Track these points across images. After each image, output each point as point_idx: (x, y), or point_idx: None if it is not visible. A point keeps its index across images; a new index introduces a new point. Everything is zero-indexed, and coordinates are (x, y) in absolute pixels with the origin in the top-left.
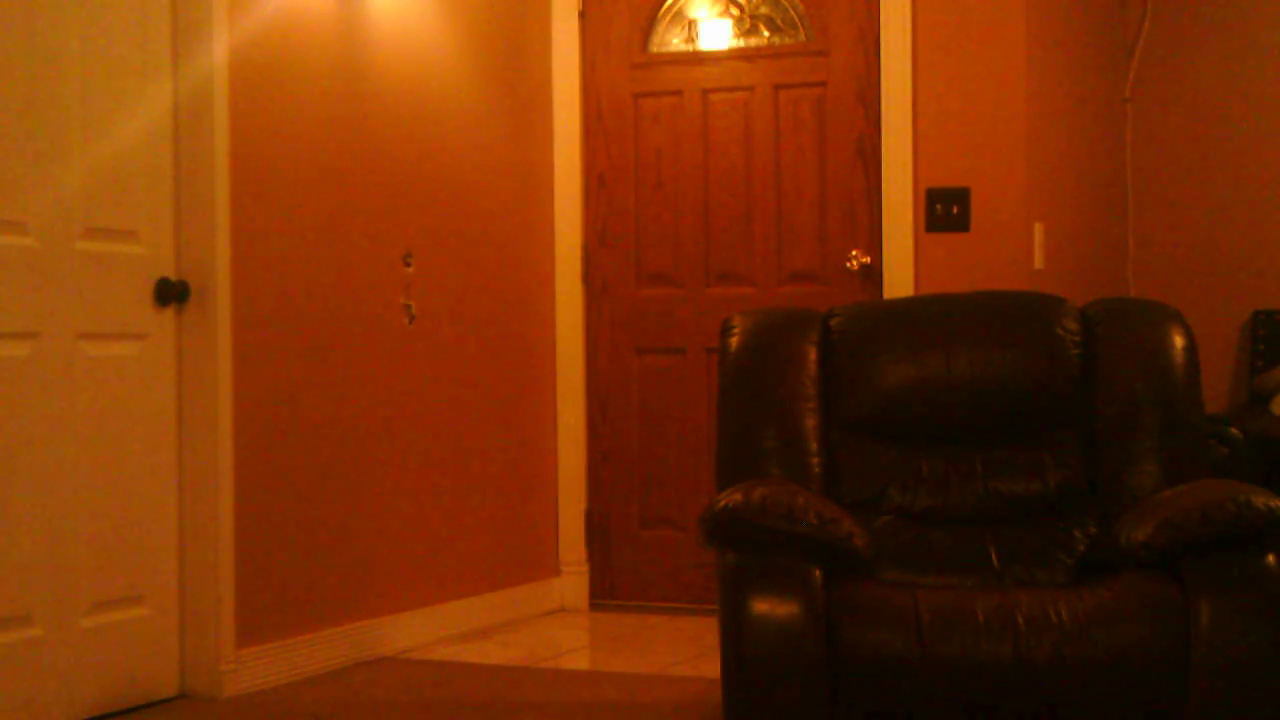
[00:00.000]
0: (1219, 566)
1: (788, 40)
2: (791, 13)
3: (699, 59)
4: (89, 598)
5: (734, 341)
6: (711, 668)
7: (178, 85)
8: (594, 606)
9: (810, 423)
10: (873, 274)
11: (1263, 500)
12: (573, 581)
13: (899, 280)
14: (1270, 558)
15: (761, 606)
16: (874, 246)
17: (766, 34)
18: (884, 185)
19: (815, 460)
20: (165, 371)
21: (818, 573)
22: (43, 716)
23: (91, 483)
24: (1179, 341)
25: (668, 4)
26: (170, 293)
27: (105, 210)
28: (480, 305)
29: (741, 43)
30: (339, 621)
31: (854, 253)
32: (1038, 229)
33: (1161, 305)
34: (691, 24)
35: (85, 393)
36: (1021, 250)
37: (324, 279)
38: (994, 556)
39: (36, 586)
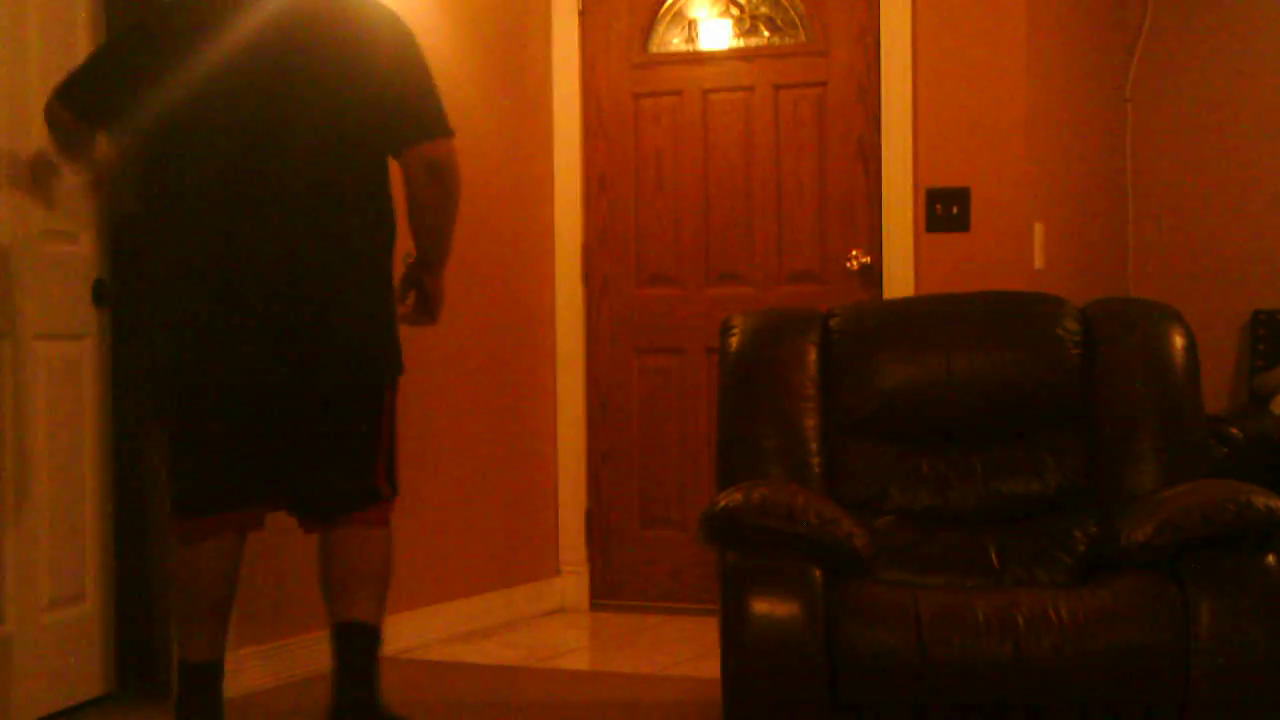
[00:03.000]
0: (1219, 566)
1: (788, 40)
2: (791, 13)
3: (699, 59)
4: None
5: (734, 341)
6: (711, 668)
7: None
8: (594, 606)
9: (810, 423)
10: (873, 274)
11: (1263, 500)
12: (573, 581)
13: (899, 280)
14: (1270, 558)
15: (761, 606)
16: (874, 246)
17: (766, 34)
18: (884, 185)
19: (815, 460)
20: None
21: (818, 573)
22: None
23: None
24: (1179, 341)
25: (668, 4)
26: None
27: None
28: (480, 305)
29: (741, 43)
30: None
31: (854, 253)
32: (1038, 229)
33: (1161, 305)
34: (691, 24)
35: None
36: (1021, 250)
37: None
38: (994, 556)
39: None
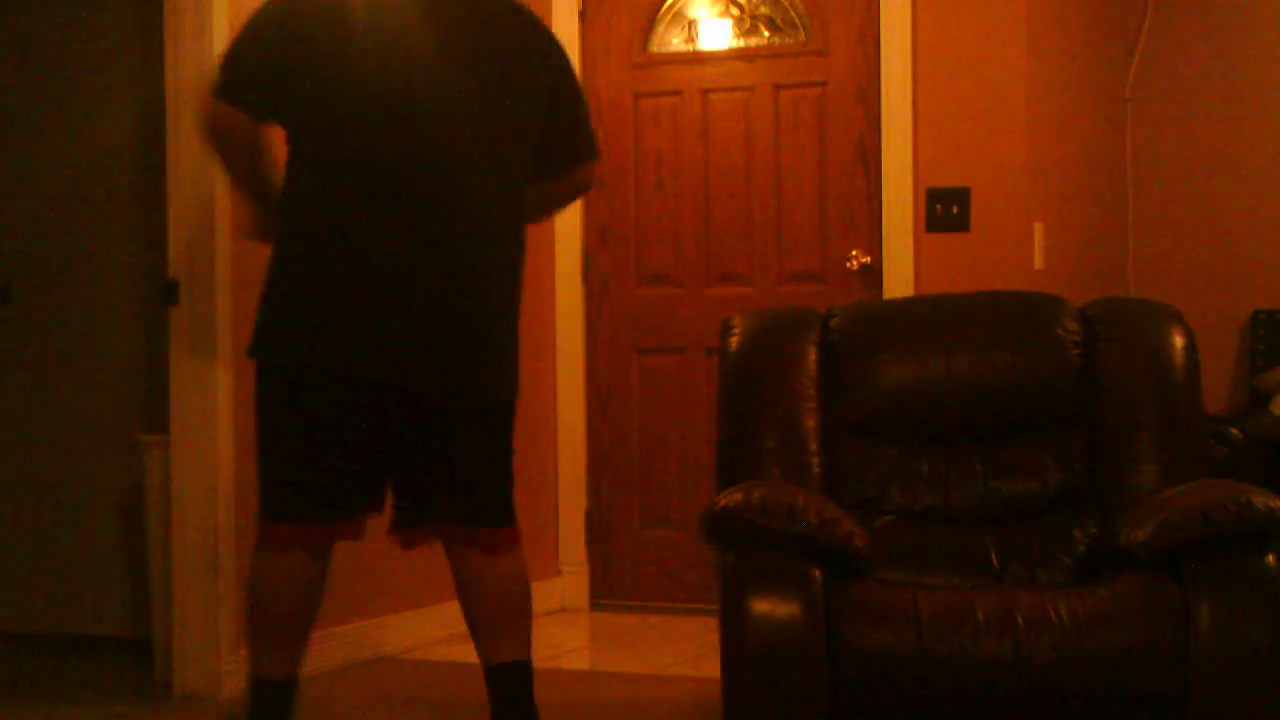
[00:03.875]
0: (1219, 566)
1: (788, 40)
2: (791, 13)
3: (699, 59)
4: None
5: (734, 341)
6: (711, 668)
7: (178, 81)
8: (594, 606)
9: (810, 423)
10: (873, 274)
11: (1263, 500)
12: (573, 581)
13: (899, 280)
14: (1270, 558)
15: (761, 606)
16: (874, 246)
17: (766, 34)
18: (884, 185)
19: (815, 460)
20: None
21: (818, 573)
22: None
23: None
24: (1179, 341)
25: (668, 4)
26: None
27: None
28: None
29: (741, 43)
30: (339, 621)
31: (854, 253)
32: (1038, 229)
33: (1161, 305)
34: (691, 24)
35: None
36: (1021, 250)
37: None
38: (994, 556)
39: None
